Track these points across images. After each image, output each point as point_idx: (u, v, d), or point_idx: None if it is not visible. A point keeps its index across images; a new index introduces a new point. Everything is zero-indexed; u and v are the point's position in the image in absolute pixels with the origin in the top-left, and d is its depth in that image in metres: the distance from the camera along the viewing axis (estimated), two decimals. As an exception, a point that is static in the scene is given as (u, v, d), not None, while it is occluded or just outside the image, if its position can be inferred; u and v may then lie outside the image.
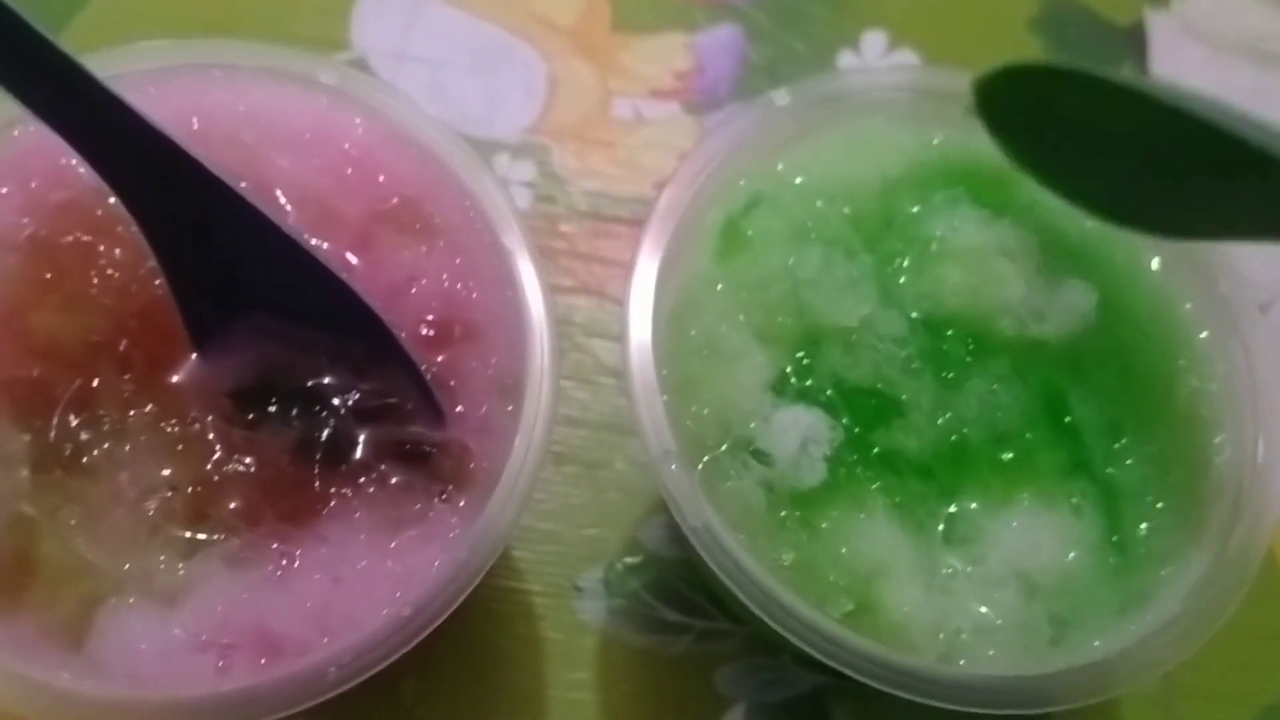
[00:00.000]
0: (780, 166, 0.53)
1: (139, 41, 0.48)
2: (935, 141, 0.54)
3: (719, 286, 0.50)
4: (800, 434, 0.47)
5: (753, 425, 0.48)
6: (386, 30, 0.74)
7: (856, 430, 0.48)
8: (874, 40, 0.76)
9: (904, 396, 0.48)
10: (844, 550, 0.46)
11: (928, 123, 0.54)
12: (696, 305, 0.50)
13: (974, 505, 0.47)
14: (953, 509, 0.47)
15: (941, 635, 0.45)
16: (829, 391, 0.48)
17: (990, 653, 0.45)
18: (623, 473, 0.63)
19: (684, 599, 0.61)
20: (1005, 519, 0.47)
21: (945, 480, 0.48)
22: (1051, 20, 0.77)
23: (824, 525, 0.47)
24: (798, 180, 0.53)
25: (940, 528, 0.47)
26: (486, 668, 0.58)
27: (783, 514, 0.47)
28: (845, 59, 0.75)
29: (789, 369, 0.49)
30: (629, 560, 0.62)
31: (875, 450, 0.48)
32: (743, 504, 0.47)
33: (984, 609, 0.46)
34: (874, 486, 0.47)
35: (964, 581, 0.46)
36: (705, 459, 0.47)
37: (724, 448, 0.47)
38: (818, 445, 0.47)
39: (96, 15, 0.72)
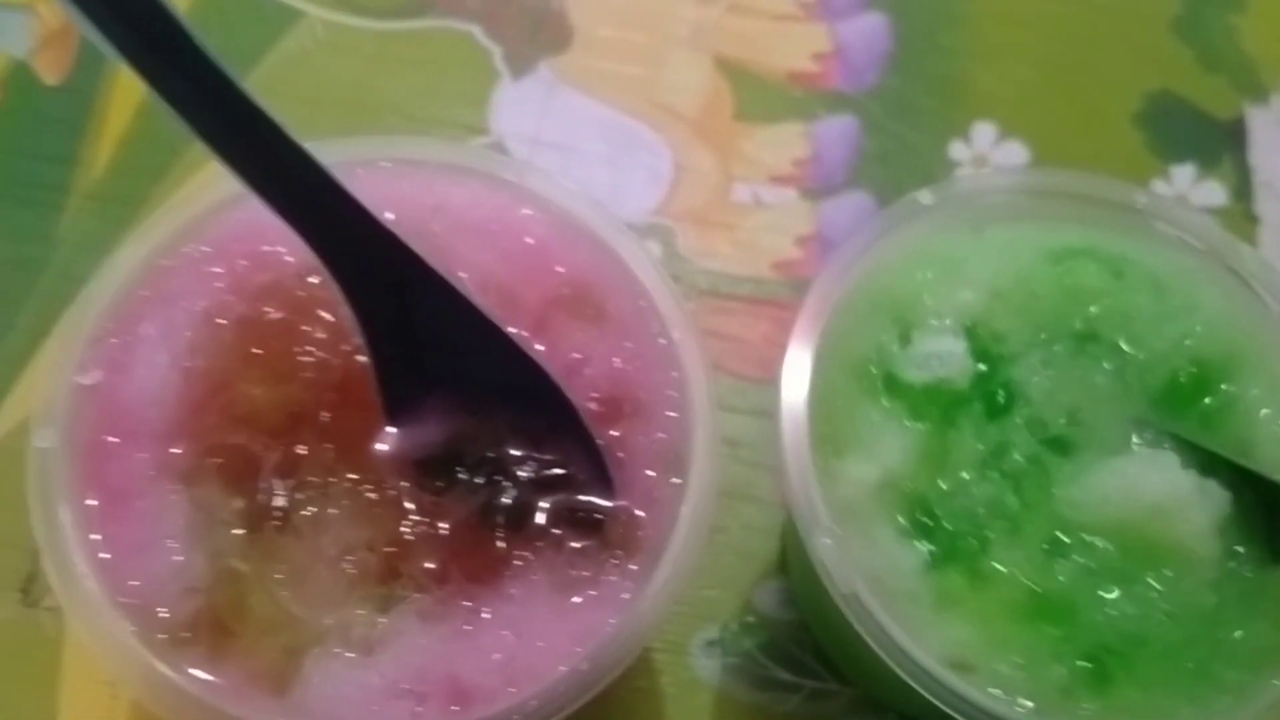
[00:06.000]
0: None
1: (338, 138, 0.53)
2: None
3: None
4: None
5: None
6: (522, 116, 0.78)
7: None
8: (984, 131, 0.79)
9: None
10: None
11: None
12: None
13: None
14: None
15: None
16: None
17: None
18: (739, 537, 0.66)
19: (795, 659, 0.64)
20: None
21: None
22: (1154, 114, 0.80)
23: None
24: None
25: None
26: (601, 717, 0.62)
27: None
28: (956, 149, 0.78)
29: None
30: (743, 620, 0.65)
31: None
32: None
33: None
34: None
35: None
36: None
37: None
38: None
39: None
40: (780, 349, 0.67)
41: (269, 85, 0.78)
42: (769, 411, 0.64)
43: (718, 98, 0.80)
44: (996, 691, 0.46)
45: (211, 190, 0.53)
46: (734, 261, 0.74)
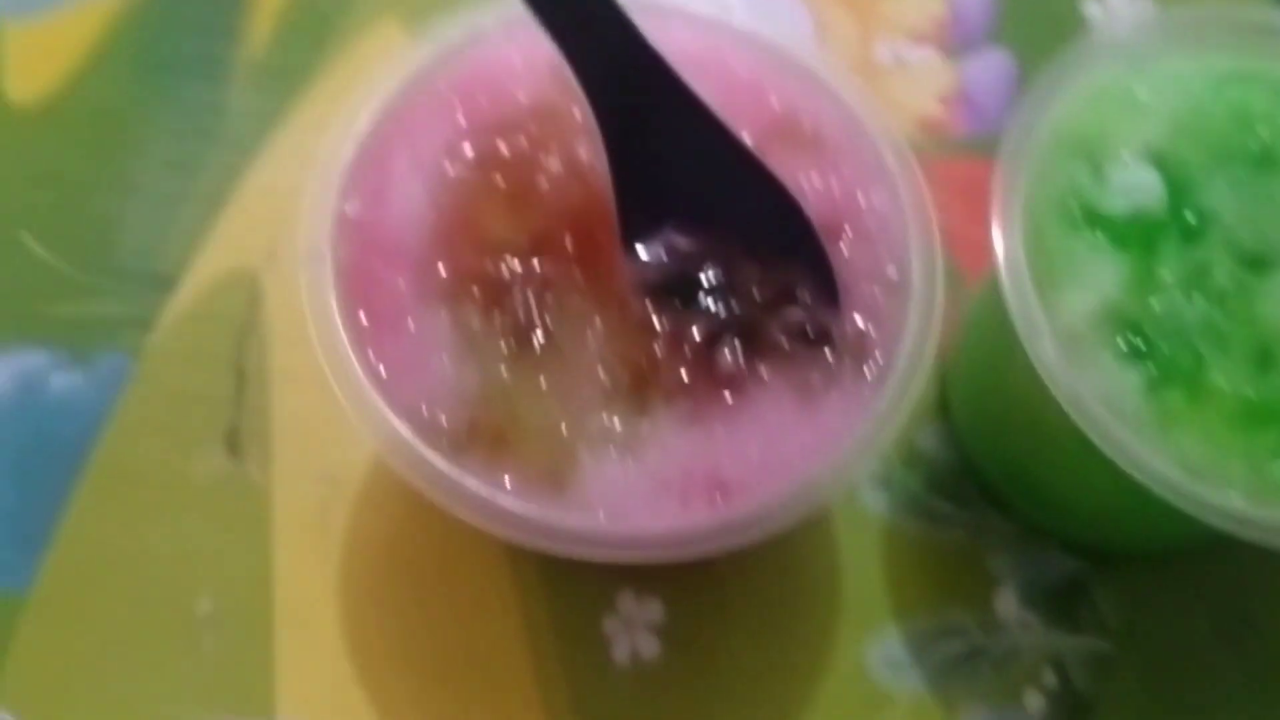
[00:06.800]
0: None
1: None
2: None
3: None
4: None
5: None
6: (662, -16, 0.80)
7: None
8: (1117, -12, 0.80)
9: None
10: None
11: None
12: None
13: None
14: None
15: None
16: None
17: None
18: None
19: (959, 494, 0.67)
20: None
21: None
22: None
23: None
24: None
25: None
26: (784, 549, 0.65)
27: None
28: (1090, 7, 0.80)
29: None
30: (908, 459, 0.68)
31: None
32: None
33: None
34: None
35: None
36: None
37: None
38: None
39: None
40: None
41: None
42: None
43: (853, -40, 0.82)
44: (1232, 491, 0.50)
45: (443, 34, 0.55)
46: (878, 120, 0.76)
